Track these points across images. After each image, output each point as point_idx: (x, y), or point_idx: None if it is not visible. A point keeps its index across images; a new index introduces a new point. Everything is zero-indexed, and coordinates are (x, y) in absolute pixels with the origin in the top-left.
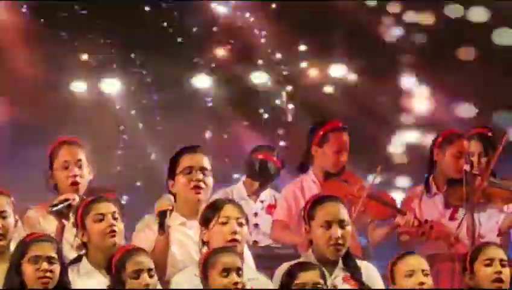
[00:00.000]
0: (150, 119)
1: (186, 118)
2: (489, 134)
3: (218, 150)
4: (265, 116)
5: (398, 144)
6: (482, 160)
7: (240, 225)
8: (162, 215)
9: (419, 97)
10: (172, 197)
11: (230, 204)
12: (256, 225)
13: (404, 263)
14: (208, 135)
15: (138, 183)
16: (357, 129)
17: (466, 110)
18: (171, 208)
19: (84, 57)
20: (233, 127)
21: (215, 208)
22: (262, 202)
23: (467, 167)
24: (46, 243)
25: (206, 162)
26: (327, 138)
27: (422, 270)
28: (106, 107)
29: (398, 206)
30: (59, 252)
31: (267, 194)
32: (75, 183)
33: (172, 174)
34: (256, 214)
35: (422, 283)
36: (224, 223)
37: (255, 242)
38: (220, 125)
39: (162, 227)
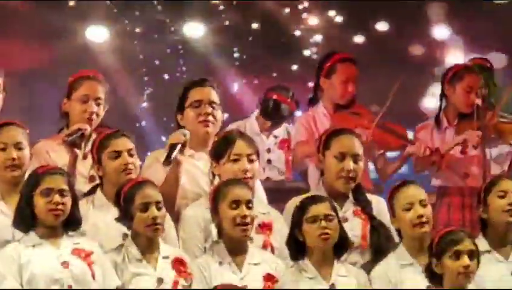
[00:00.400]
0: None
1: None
2: (488, 65)
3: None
4: (294, 67)
5: (431, 95)
6: (483, 91)
7: (251, 161)
8: (172, 148)
9: (451, 47)
10: (187, 133)
11: (242, 139)
12: (269, 161)
13: (402, 195)
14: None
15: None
16: (390, 79)
17: (497, 59)
18: (182, 142)
19: None
20: (261, 79)
21: (226, 142)
22: (275, 137)
23: (478, 101)
24: (58, 175)
25: (214, 96)
26: (334, 69)
27: (420, 201)
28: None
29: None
30: (70, 185)
31: (280, 130)
32: (89, 119)
33: (181, 107)
34: (269, 150)
35: (420, 216)
36: (235, 161)
37: (268, 179)
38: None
39: (168, 159)
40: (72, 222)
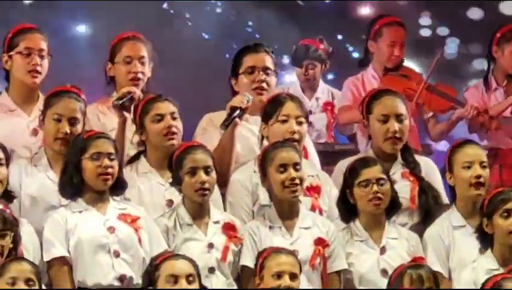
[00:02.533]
0: None
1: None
2: None
3: None
4: None
5: None
6: None
7: (299, 123)
8: (232, 111)
9: None
10: (251, 98)
11: (292, 101)
12: (310, 123)
13: (463, 153)
14: None
15: None
16: None
17: None
18: (244, 106)
19: None
20: None
21: (276, 103)
22: (317, 99)
23: None
24: (106, 139)
25: (269, 62)
26: (381, 32)
27: (481, 163)
28: None
29: (457, 97)
30: (116, 149)
31: (322, 92)
32: (135, 79)
33: (235, 72)
34: (311, 112)
35: (479, 176)
36: (283, 121)
37: None
38: None
39: (227, 122)
40: (118, 186)
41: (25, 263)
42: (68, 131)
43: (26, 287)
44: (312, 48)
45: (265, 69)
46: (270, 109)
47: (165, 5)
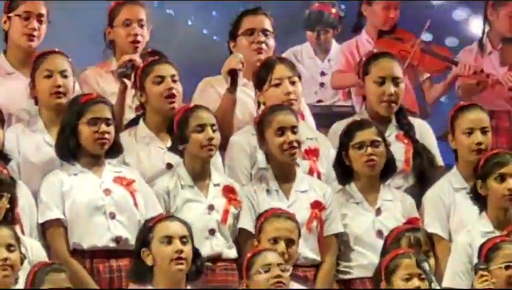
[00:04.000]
0: None
1: None
2: None
3: None
4: None
5: None
6: None
7: (293, 83)
8: (234, 73)
9: None
10: (242, 56)
11: (281, 63)
12: (322, 84)
13: (465, 118)
14: None
15: None
16: None
17: None
18: (241, 66)
19: None
20: None
21: (266, 68)
22: (329, 61)
23: None
24: (103, 104)
25: (267, 24)
26: None
27: (482, 128)
28: None
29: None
30: (113, 113)
31: (336, 53)
32: (135, 42)
33: (233, 35)
34: (323, 73)
35: (479, 143)
36: (277, 85)
37: (319, 101)
38: None
39: (234, 85)
40: (114, 150)
41: (4, 228)
42: (61, 83)
43: (8, 253)
44: (325, 14)
45: (264, 31)
46: (262, 75)
47: None
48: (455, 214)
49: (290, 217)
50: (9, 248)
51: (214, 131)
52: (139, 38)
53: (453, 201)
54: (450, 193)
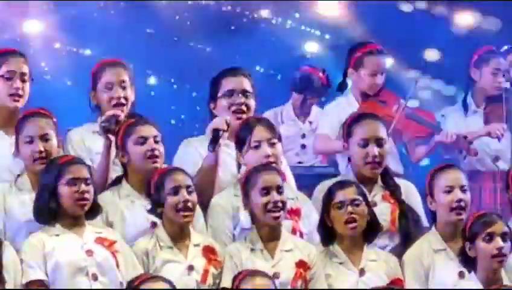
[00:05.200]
0: None
1: None
2: None
3: None
4: None
5: None
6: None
7: (272, 145)
8: (216, 133)
9: None
10: (229, 118)
11: (260, 125)
12: (303, 146)
13: (443, 178)
14: None
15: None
16: None
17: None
18: (225, 128)
19: None
20: None
21: (245, 130)
22: (310, 123)
23: (506, 84)
24: (81, 165)
25: (247, 84)
26: (362, 61)
27: (461, 187)
28: None
29: (436, 123)
30: (91, 173)
31: (316, 115)
32: (118, 105)
33: (213, 96)
34: (304, 135)
35: (460, 200)
36: (256, 147)
37: (300, 162)
38: None
39: (214, 144)
40: (94, 211)
41: None
42: (42, 149)
43: None
44: (315, 80)
45: (244, 92)
46: (242, 136)
47: None
48: (434, 276)
49: (266, 275)
50: None
51: (189, 193)
52: (122, 100)
53: (432, 262)
54: (429, 254)
